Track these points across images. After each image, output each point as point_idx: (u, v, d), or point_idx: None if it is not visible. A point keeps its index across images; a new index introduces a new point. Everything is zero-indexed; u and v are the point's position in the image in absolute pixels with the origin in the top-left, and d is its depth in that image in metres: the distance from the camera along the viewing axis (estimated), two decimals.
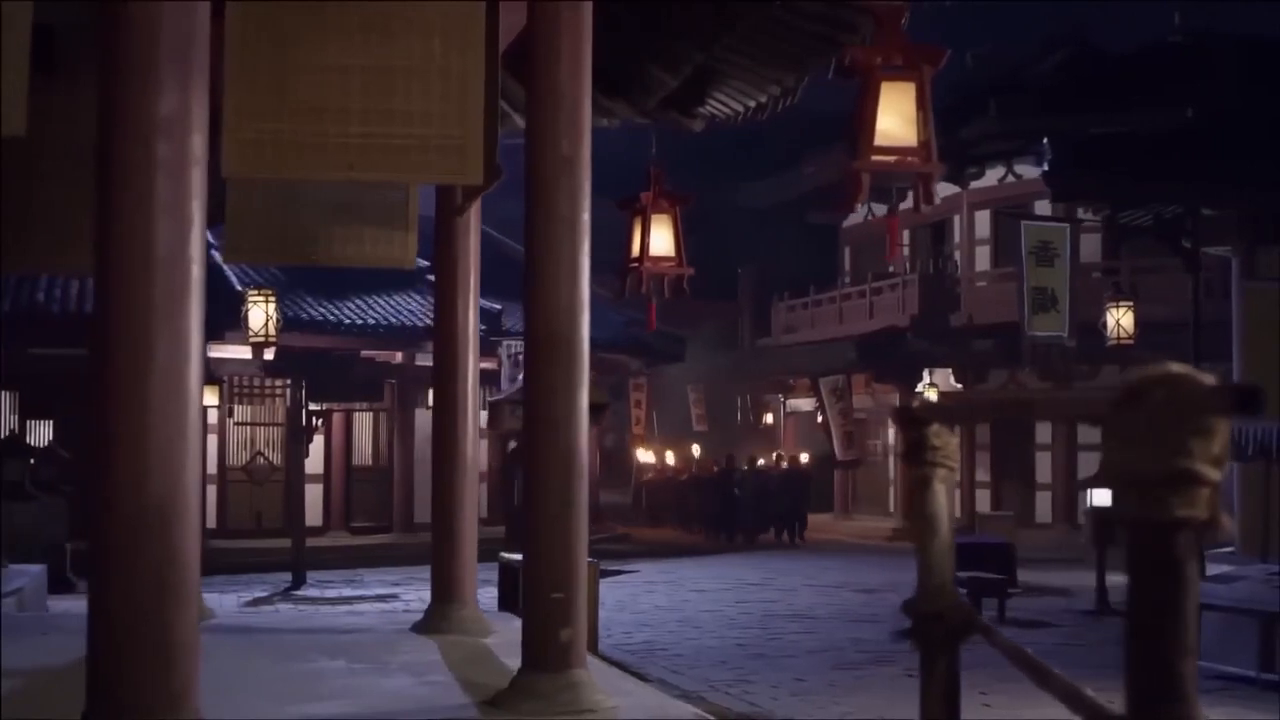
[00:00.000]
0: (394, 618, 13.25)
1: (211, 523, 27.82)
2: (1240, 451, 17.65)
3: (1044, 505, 35.74)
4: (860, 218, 43.44)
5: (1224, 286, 23.59)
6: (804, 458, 39.87)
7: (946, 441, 4.04)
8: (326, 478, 30.95)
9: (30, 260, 12.02)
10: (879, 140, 7.99)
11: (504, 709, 7.92)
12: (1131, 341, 22.62)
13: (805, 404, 42.77)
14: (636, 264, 12.97)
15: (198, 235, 6.43)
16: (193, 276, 6.39)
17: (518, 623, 11.76)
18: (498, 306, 32.51)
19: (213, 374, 24.20)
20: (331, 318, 29.60)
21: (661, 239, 13.07)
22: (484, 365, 32.78)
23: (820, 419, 38.71)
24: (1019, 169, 35.19)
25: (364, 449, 32.70)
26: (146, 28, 6.34)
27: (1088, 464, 34.76)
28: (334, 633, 11.35)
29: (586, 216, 8.24)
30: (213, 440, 28.83)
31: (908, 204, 8.82)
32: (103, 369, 6.37)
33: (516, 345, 32.11)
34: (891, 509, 38.58)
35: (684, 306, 43.86)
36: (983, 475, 36.58)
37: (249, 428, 30.89)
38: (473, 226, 11.00)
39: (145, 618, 6.27)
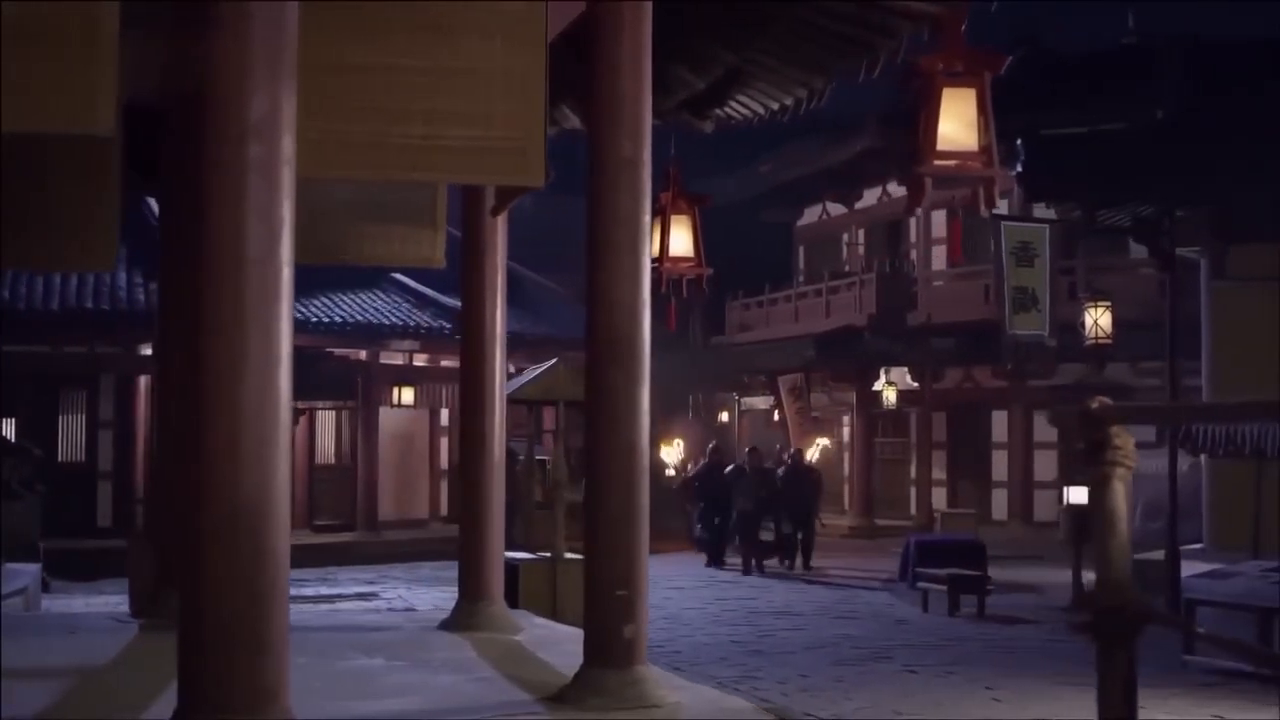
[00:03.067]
0: (415, 615, 13.29)
1: None
2: (1213, 449, 17.96)
3: (999, 502, 36.01)
4: (815, 217, 43.70)
5: (1189, 286, 23.83)
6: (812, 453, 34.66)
7: (1126, 442, 4.15)
8: (291, 475, 30.81)
9: (48, 257, 12.01)
10: (941, 145, 8.12)
11: (570, 705, 7.99)
12: (1110, 341, 22.89)
13: (760, 402, 42.93)
14: (656, 264, 13.04)
15: (288, 236, 6.48)
16: (284, 278, 6.44)
17: (540, 620, 11.96)
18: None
19: None
20: (299, 315, 29.47)
21: (681, 239, 13.18)
22: (451, 364, 33.09)
23: (777, 417, 38.89)
24: None
25: (327, 447, 32.66)
26: (238, 27, 6.39)
27: (1044, 463, 35.10)
28: (359, 631, 11.37)
29: (647, 218, 8.34)
30: None
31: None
32: (196, 370, 6.41)
33: None
34: (846, 505, 38.75)
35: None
36: (939, 473, 36.81)
37: None
38: (500, 227, 11.05)
39: (238, 616, 6.31)
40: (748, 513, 28.62)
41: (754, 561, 28.08)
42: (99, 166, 10.97)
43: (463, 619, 11.04)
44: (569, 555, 15.30)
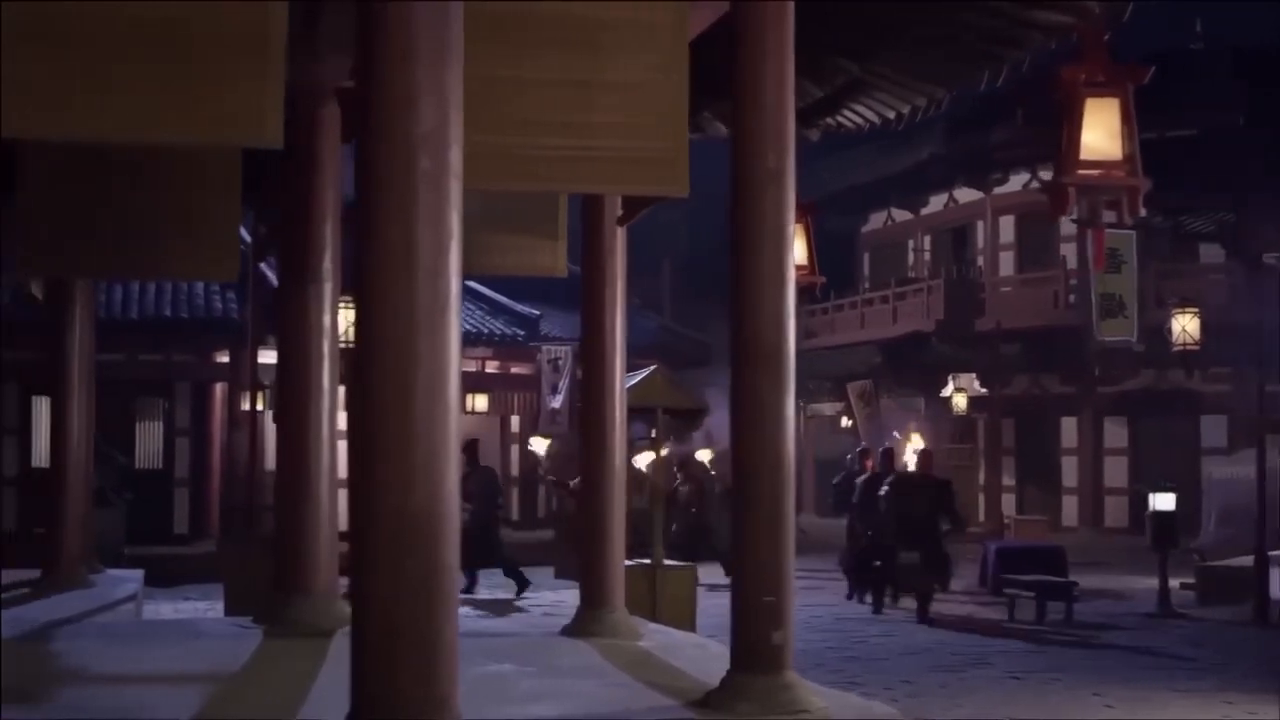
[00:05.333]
0: (534, 621, 13.33)
1: None
2: None
3: (1070, 509, 35.96)
4: (880, 222, 43.71)
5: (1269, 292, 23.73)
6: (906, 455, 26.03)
7: None
8: None
9: (173, 267, 12.18)
10: (1084, 155, 8.16)
11: (719, 710, 8.05)
12: (1197, 347, 22.86)
13: (826, 408, 42.93)
14: None
15: (456, 248, 6.56)
16: (452, 289, 6.53)
17: (655, 625, 12.03)
18: (536, 312, 32.72)
19: (257, 380, 24.27)
20: None
21: (798, 247, 13.22)
22: (522, 370, 33.29)
23: (848, 423, 38.89)
24: (1043, 174, 35.42)
25: None
26: (402, 35, 6.47)
27: (1114, 469, 35.06)
28: (482, 636, 11.40)
29: (791, 228, 8.40)
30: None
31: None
32: (367, 380, 6.50)
33: (555, 350, 32.37)
34: None
35: (699, 310, 44.22)
36: (1008, 480, 36.76)
37: None
38: (621, 236, 11.12)
39: (410, 624, 6.38)
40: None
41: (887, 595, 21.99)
42: (223, 179, 11.13)
43: (585, 625, 11.12)
44: (667, 562, 15.41)
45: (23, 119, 6.71)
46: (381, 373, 6.44)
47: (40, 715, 8.23)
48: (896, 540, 20.87)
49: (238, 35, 6.70)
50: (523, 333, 32.57)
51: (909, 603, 20.81)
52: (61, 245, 11.40)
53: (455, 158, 6.56)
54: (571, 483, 23.69)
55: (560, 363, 32.04)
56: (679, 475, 30.16)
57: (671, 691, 8.74)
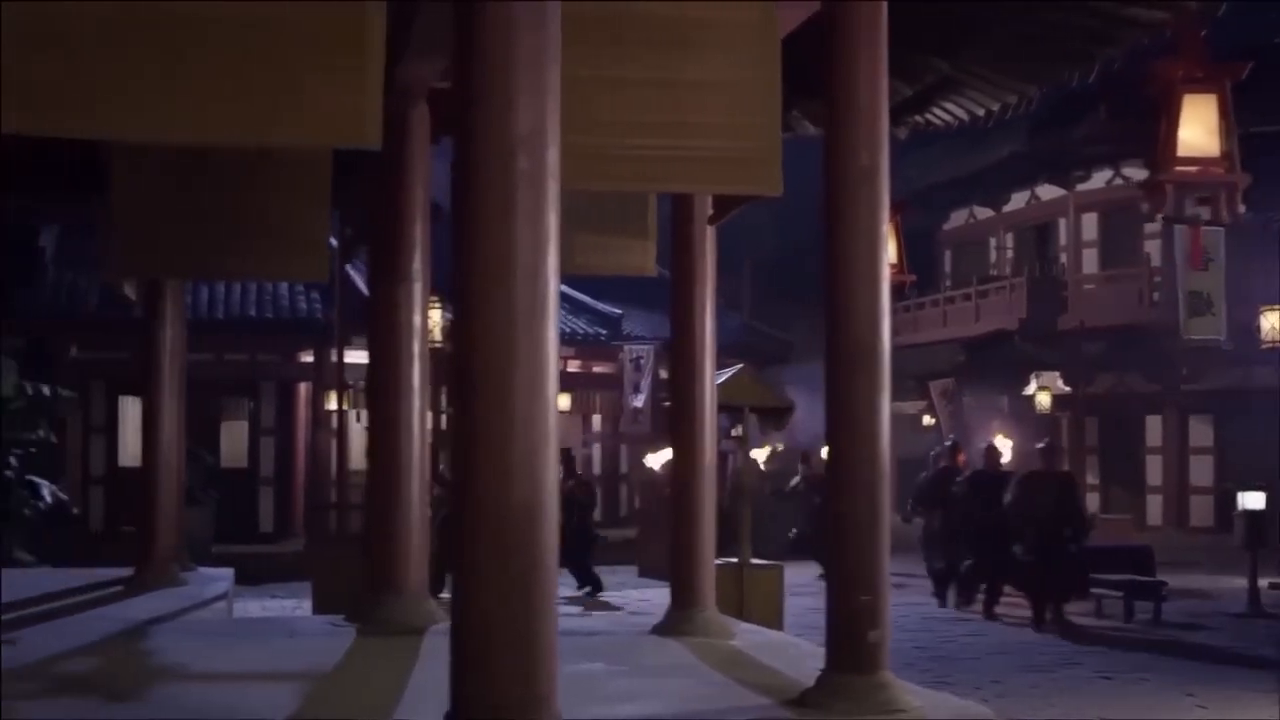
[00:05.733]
0: (622, 619, 13.35)
1: None
2: None
3: (1154, 508, 35.68)
4: (961, 220, 43.49)
5: None
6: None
7: None
8: None
9: (265, 267, 12.28)
10: (1181, 151, 8.10)
11: (815, 709, 8.04)
12: None
13: (908, 407, 42.74)
14: None
15: (554, 249, 6.59)
16: (551, 289, 6.56)
17: (746, 625, 12.02)
18: (618, 311, 32.77)
19: (343, 380, 24.42)
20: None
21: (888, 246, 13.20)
22: (603, 369, 33.37)
23: (931, 421, 38.74)
24: (1126, 171, 35.20)
25: None
26: (502, 37, 6.50)
27: (1199, 468, 34.76)
28: (572, 635, 11.42)
29: (885, 227, 8.40)
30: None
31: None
32: (466, 379, 6.53)
33: (638, 349, 32.42)
34: None
35: (780, 309, 44.18)
36: (1091, 479, 36.49)
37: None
38: (710, 236, 11.12)
39: (511, 621, 6.42)
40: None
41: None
42: (313, 181, 11.21)
43: (676, 624, 11.12)
44: (754, 560, 15.40)
45: (125, 122, 6.79)
46: (482, 373, 6.48)
47: (139, 714, 8.32)
48: (1023, 539, 19.84)
49: (337, 36, 6.73)
50: (605, 332, 32.64)
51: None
52: (153, 246, 11.51)
53: (553, 158, 6.59)
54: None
55: (642, 362, 32.10)
56: (800, 470, 30.13)
57: (766, 690, 8.74)
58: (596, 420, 34.07)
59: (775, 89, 8.42)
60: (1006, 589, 20.80)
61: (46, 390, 18.29)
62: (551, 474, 6.57)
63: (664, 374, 31.83)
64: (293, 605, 19.98)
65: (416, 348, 11.57)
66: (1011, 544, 19.96)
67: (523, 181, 6.50)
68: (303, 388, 30.61)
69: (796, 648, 10.76)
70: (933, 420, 38.63)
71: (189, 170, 10.88)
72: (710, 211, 10.85)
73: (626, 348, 32.49)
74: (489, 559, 6.42)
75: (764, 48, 8.42)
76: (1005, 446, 23.27)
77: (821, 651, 8.39)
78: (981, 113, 11.63)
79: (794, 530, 29.30)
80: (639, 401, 31.96)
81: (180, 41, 6.60)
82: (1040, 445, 22.23)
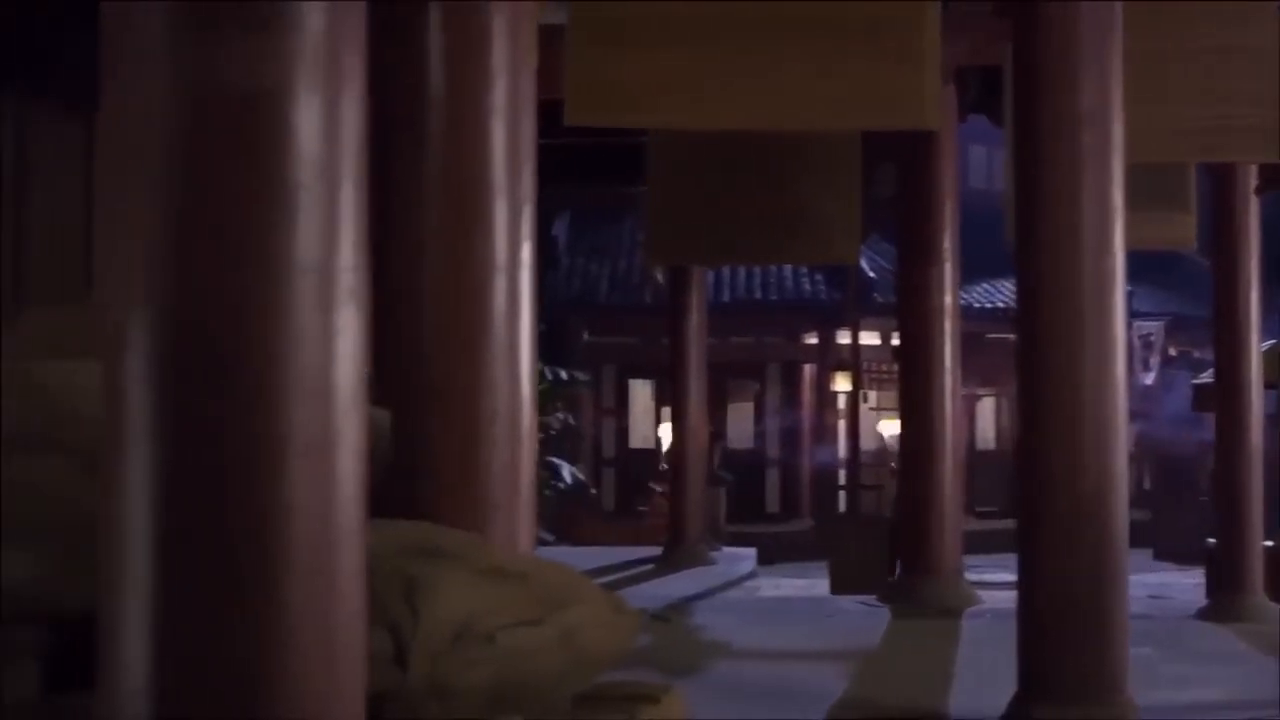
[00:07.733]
0: (1165, 604, 12.96)
1: None
2: None
3: None
4: None
5: None
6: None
7: None
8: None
9: (794, 250, 12.45)
10: None
11: None
12: None
13: None
14: None
15: (1120, 222, 6.52)
16: (1118, 264, 6.49)
17: None
18: (1127, 288, 32.02)
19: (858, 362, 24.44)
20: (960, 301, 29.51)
21: None
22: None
23: None
24: None
25: (987, 433, 32.45)
26: (1065, 27, 6.45)
27: None
28: None
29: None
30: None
31: None
32: (1034, 357, 6.52)
33: (1147, 326, 31.55)
34: None
35: None
36: None
37: (876, 412, 31.03)
38: (1254, 208, 10.78)
39: (1081, 604, 6.37)
40: None
41: None
42: (844, 164, 11.27)
43: (1219, 609, 10.83)
44: None
45: (694, 112, 7.02)
46: (1046, 353, 6.47)
47: (701, 686, 8.52)
48: None
49: (896, 22, 6.83)
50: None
51: None
52: (688, 233, 11.79)
53: (1117, 133, 6.52)
54: None
55: (1152, 339, 31.24)
56: None
57: None
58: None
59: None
60: None
61: (564, 374, 18.81)
62: (1121, 450, 6.52)
63: (1172, 351, 31.00)
64: (805, 585, 20.12)
65: (948, 327, 11.59)
66: None
67: (1089, 156, 6.45)
68: (807, 369, 30.75)
69: None
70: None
71: (721, 160, 11.10)
72: (1255, 182, 10.51)
73: (1135, 324, 31.64)
74: (1059, 541, 6.42)
75: None
76: None
77: None
78: None
79: None
80: (1149, 379, 31.15)
81: (744, 36, 6.80)
82: None
